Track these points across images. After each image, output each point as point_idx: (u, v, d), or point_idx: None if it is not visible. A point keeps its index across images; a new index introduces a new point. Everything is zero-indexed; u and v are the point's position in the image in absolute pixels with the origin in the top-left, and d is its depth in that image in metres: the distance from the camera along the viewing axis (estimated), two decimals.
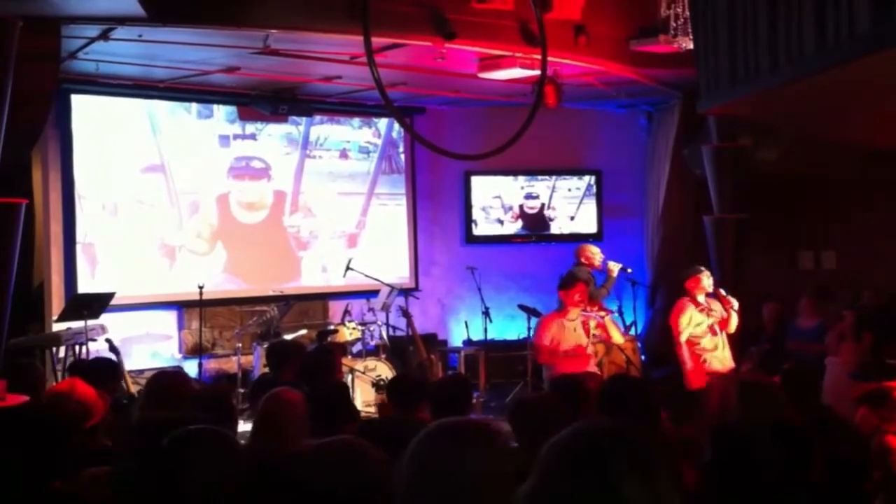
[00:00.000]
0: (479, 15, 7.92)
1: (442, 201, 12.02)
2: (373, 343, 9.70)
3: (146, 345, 9.77)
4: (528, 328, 10.32)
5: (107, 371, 4.96)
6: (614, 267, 9.07)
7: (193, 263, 10.14)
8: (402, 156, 11.78)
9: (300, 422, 3.94)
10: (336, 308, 10.75)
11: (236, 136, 10.57)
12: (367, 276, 10.08)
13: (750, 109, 7.43)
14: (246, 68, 8.89)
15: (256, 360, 9.12)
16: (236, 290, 10.46)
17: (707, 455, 2.69)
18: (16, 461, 3.05)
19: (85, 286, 9.26)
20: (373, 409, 8.21)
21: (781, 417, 3.60)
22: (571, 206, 12.18)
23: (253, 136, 10.67)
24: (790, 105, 6.91)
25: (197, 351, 9.50)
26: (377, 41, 6.99)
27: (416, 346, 9.57)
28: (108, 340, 8.24)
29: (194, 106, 10.26)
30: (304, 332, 9.87)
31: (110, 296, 8.67)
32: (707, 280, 7.82)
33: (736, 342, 9.24)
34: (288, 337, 8.99)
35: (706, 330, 7.75)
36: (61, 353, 8.43)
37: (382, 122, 11.56)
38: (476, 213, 11.94)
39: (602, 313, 8.38)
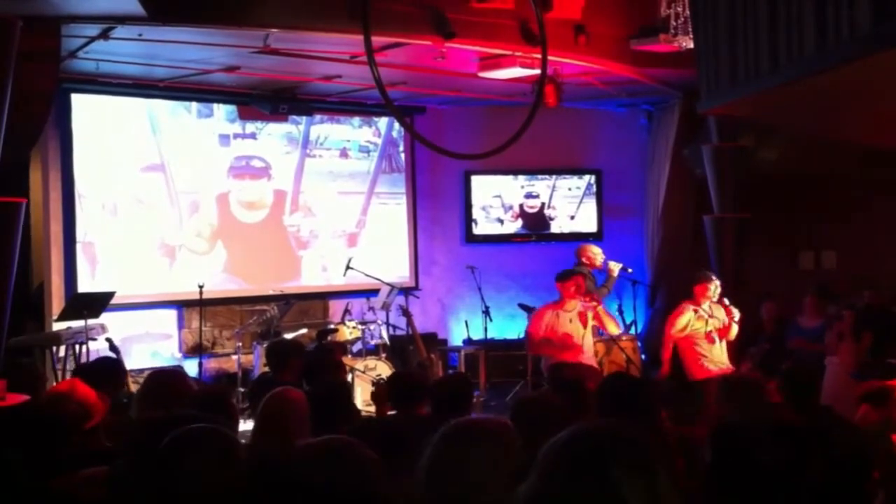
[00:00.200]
0: (479, 14, 7.92)
1: (442, 201, 12.01)
2: (373, 342, 9.70)
3: (146, 344, 9.77)
4: None
5: (111, 372, 4.94)
6: (615, 267, 9.08)
7: (193, 263, 10.14)
8: (403, 155, 11.78)
9: (302, 421, 3.95)
10: (336, 307, 10.75)
11: (236, 136, 10.57)
12: (367, 275, 10.07)
13: (750, 109, 7.42)
14: (246, 67, 8.89)
15: (256, 360, 9.12)
16: (236, 290, 10.46)
17: (707, 455, 2.69)
18: (15, 460, 3.05)
19: (85, 285, 9.26)
20: (373, 408, 8.20)
21: (766, 415, 3.61)
22: (571, 205, 12.18)
23: (253, 136, 10.67)
24: (790, 105, 6.91)
25: (197, 350, 9.50)
26: (377, 40, 6.99)
27: (417, 346, 9.57)
28: (108, 340, 8.25)
29: (194, 105, 10.26)
30: (304, 331, 9.87)
31: (110, 295, 8.68)
32: (714, 288, 7.84)
33: (736, 342, 9.26)
34: (288, 336, 8.98)
35: (703, 336, 7.79)
36: (61, 353, 8.44)
37: (382, 122, 11.56)
38: (476, 213, 11.94)
39: (594, 303, 8.37)
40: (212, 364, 9.96)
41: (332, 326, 9.76)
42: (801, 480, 2.45)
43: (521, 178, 12.04)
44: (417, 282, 11.72)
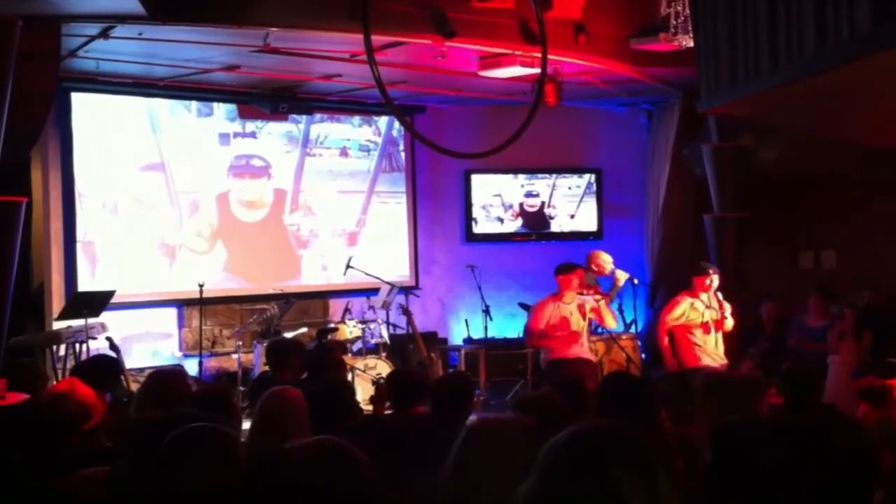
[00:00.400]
0: (480, 13, 7.92)
1: (442, 200, 12.01)
2: (373, 341, 9.71)
3: (146, 343, 9.78)
4: None
5: (108, 369, 4.94)
6: (621, 276, 9.05)
7: (193, 262, 10.15)
8: (403, 154, 11.78)
9: (300, 420, 3.94)
10: (336, 306, 10.75)
11: (236, 135, 10.57)
12: (367, 274, 10.08)
13: (750, 109, 7.42)
14: (246, 66, 8.89)
15: (257, 359, 9.12)
16: (236, 289, 10.46)
17: (707, 455, 2.69)
18: (15, 460, 3.05)
19: (85, 284, 9.27)
20: (372, 408, 8.21)
21: (752, 414, 3.61)
22: (571, 204, 12.19)
23: (253, 135, 10.67)
24: (790, 105, 6.91)
25: (197, 349, 9.50)
26: (377, 39, 6.99)
27: (417, 345, 9.58)
28: (108, 339, 8.25)
29: (194, 104, 10.26)
30: (304, 330, 9.87)
31: (110, 294, 8.68)
32: (710, 281, 7.88)
33: (735, 342, 9.27)
34: (288, 335, 8.98)
35: (698, 325, 7.86)
36: (61, 352, 8.44)
37: (383, 121, 11.56)
38: (476, 212, 11.94)
39: (598, 296, 8.40)
40: (212, 363, 9.97)
41: (332, 325, 9.76)
42: (801, 480, 2.45)
43: (521, 177, 12.04)
44: (417, 281, 11.72)
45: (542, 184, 12.11)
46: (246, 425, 4.27)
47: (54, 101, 7.87)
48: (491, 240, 11.97)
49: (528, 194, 12.08)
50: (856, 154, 9.61)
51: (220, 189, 10.42)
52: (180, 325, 10.13)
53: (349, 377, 8.22)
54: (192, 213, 10.23)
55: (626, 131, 12.12)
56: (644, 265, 11.68)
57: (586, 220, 12.17)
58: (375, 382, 8.50)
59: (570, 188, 12.20)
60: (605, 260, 9.31)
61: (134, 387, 7.80)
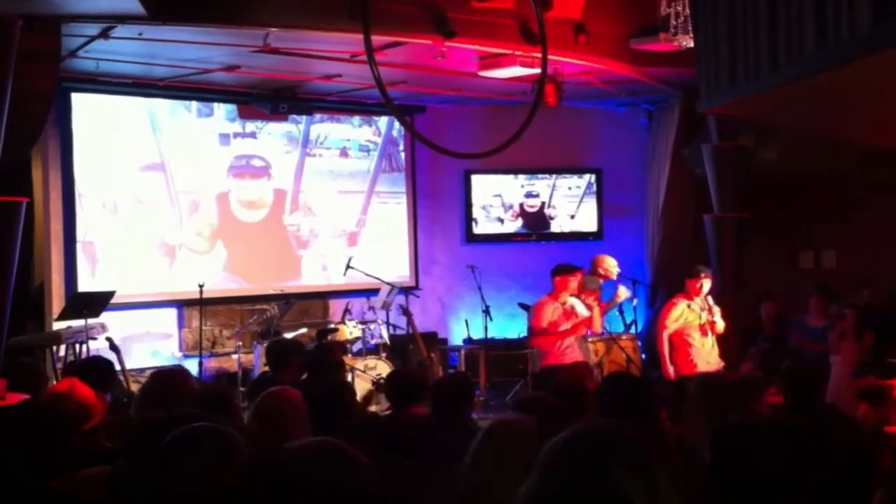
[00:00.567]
0: (480, 13, 7.92)
1: (442, 200, 12.01)
2: (373, 342, 9.71)
3: (146, 343, 9.78)
4: None
5: (103, 371, 4.93)
6: (623, 293, 9.09)
7: (193, 262, 10.15)
8: (403, 154, 11.78)
9: (298, 420, 3.94)
10: (336, 307, 10.75)
11: (236, 135, 10.57)
12: (367, 274, 10.08)
13: (750, 109, 7.42)
14: (246, 67, 8.89)
15: (257, 359, 9.12)
16: (236, 289, 10.46)
17: (705, 455, 2.69)
18: (15, 460, 3.05)
19: (85, 285, 9.27)
20: (373, 408, 8.21)
21: (743, 416, 3.61)
22: (572, 204, 12.19)
23: (253, 135, 10.67)
24: (790, 105, 6.91)
25: (197, 349, 9.50)
26: (377, 39, 6.99)
27: (417, 345, 9.58)
28: (108, 339, 8.25)
29: (194, 104, 10.26)
30: (304, 330, 9.87)
31: (110, 294, 8.68)
32: (702, 285, 7.95)
33: (736, 342, 9.27)
34: (288, 335, 8.99)
35: (696, 328, 7.93)
36: (62, 352, 8.44)
37: (383, 121, 11.56)
38: (476, 212, 11.94)
39: (592, 299, 8.42)
40: (212, 363, 9.97)
41: (332, 326, 9.76)
42: (801, 480, 2.45)
43: (522, 177, 12.04)
44: (417, 281, 11.72)
45: (542, 184, 12.11)
46: None
47: (54, 102, 7.87)
48: (491, 240, 11.97)
49: (529, 194, 12.08)
50: (856, 154, 9.61)
51: (220, 189, 10.42)
52: (180, 326, 10.13)
53: (349, 378, 8.22)
54: (192, 214, 10.23)
55: (626, 131, 12.12)
56: (644, 265, 11.69)
57: (586, 220, 12.17)
58: (374, 383, 8.51)
59: (570, 188, 12.19)
60: (611, 264, 9.32)
61: (134, 387, 7.83)
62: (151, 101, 9.86)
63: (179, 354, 10.00)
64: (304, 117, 10.84)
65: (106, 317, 8.72)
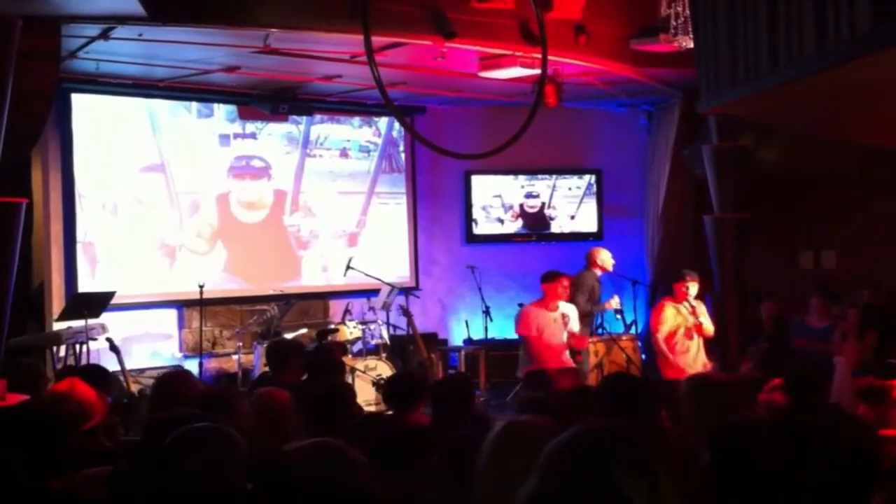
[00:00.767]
0: (480, 14, 7.92)
1: (442, 200, 12.01)
2: (373, 342, 9.71)
3: (146, 344, 9.78)
4: None
5: (98, 378, 4.93)
6: (614, 303, 9.26)
7: (193, 263, 10.14)
8: (403, 155, 11.78)
9: (288, 421, 3.94)
10: (336, 307, 10.75)
11: (236, 136, 10.57)
12: (367, 275, 10.08)
13: (750, 109, 7.42)
14: (246, 67, 8.88)
15: (257, 360, 9.12)
16: (236, 290, 10.46)
17: (704, 455, 2.69)
18: (15, 460, 3.05)
19: (85, 285, 9.26)
20: (374, 409, 8.22)
21: (734, 417, 3.62)
22: (572, 205, 12.19)
23: (253, 136, 10.67)
24: (790, 105, 6.91)
25: (197, 350, 9.50)
26: (377, 40, 6.99)
27: (417, 346, 9.58)
28: (108, 339, 8.24)
29: (194, 105, 10.26)
30: (304, 331, 9.87)
31: (110, 295, 8.68)
32: (690, 288, 8.12)
33: (736, 342, 9.27)
34: (288, 336, 8.99)
35: (683, 332, 8.09)
36: (62, 353, 8.44)
37: (383, 122, 11.56)
38: (476, 213, 11.94)
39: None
40: (212, 364, 9.96)
41: (332, 326, 9.76)
42: (801, 480, 2.45)
43: (522, 177, 12.04)
44: (418, 282, 11.72)
45: (542, 185, 12.11)
46: None
47: (54, 102, 7.86)
48: (491, 241, 11.97)
49: (529, 195, 12.08)
50: (856, 154, 9.61)
51: (221, 190, 10.42)
52: (180, 326, 10.12)
53: (349, 378, 8.23)
54: (193, 214, 10.23)
55: (626, 132, 12.12)
56: (644, 265, 11.68)
57: (586, 220, 12.17)
58: (376, 384, 8.52)
59: (570, 189, 12.19)
60: (606, 257, 9.36)
61: (134, 388, 7.82)
62: (151, 101, 9.86)
63: (179, 355, 9.99)
64: (305, 118, 10.84)
65: (106, 317, 8.72)
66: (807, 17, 5.20)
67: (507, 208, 12.05)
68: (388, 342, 9.80)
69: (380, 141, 11.59)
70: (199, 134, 10.32)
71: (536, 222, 12.10)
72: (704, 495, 2.58)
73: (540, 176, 12.08)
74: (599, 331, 10.26)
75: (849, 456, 2.57)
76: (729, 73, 6.42)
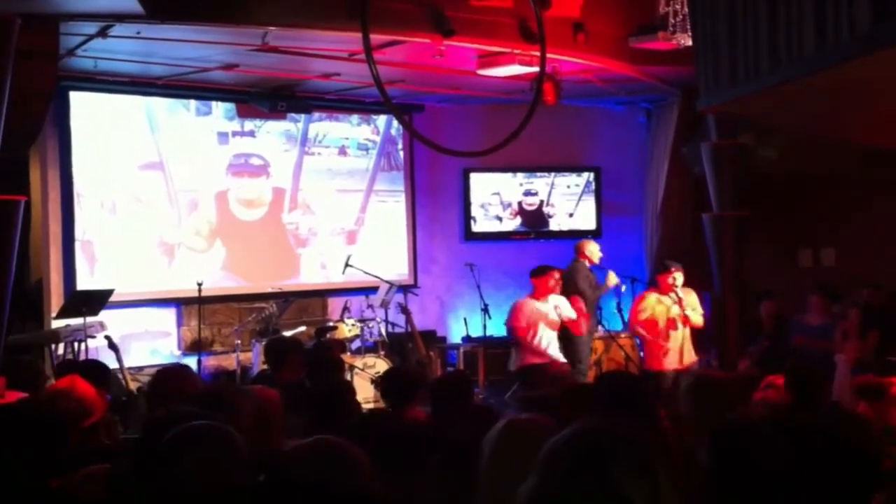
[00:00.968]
0: (478, 12, 7.92)
1: (441, 198, 12.01)
2: (372, 340, 9.72)
3: (145, 342, 9.77)
4: None
5: (97, 374, 4.92)
6: (612, 279, 9.20)
7: (192, 260, 10.14)
8: (401, 153, 11.78)
9: (277, 420, 3.93)
10: (335, 305, 10.75)
11: (235, 133, 10.56)
12: (366, 272, 10.08)
13: (749, 108, 7.42)
14: (244, 65, 8.87)
15: (255, 357, 9.12)
16: (235, 287, 10.45)
17: (702, 455, 2.69)
18: (14, 459, 3.05)
19: (84, 283, 9.26)
20: (372, 406, 8.22)
21: (732, 415, 3.61)
22: (570, 203, 12.18)
23: (252, 133, 10.66)
24: (790, 104, 6.90)
25: (196, 348, 9.50)
26: (376, 38, 6.99)
27: (415, 343, 9.58)
28: (107, 337, 8.24)
29: (193, 103, 10.25)
30: (303, 328, 9.87)
31: (109, 293, 8.67)
32: (673, 279, 8.11)
33: (735, 341, 9.28)
34: (287, 334, 8.99)
35: (665, 322, 8.07)
36: (60, 350, 8.43)
37: (381, 119, 11.56)
38: (475, 210, 11.94)
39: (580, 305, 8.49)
40: (211, 362, 9.96)
41: (331, 324, 9.76)
42: (801, 480, 2.45)
43: (520, 175, 12.04)
44: (416, 279, 11.72)
45: (540, 182, 12.11)
46: None
47: (53, 100, 7.85)
48: (490, 238, 11.97)
49: (527, 193, 12.08)
50: (856, 154, 9.61)
51: (219, 188, 10.41)
52: (179, 324, 10.12)
53: (348, 376, 8.23)
54: (191, 212, 10.22)
55: (625, 130, 12.12)
56: (643, 264, 11.68)
57: (585, 218, 12.17)
58: (374, 381, 8.52)
59: (568, 187, 12.19)
60: (594, 250, 9.36)
61: (133, 385, 7.83)
62: (150, 99, 9.85)
63: (178, 353, 9.99)
64: (303, 116, 10.84)
65: (105, 315, 8.71)
66: (807, 15, 5.19)
67: (506, 206, 12.05)
68: (387, 340, 9.81)
69: (378, 139, 11.58)
70: (197, 132, 10.31)
71: (535, 220, 12.10)
72: (704, 495, 2.58)
73: (538, 174, 12.08)
74: (599, 328, 10.26)
75: (849, 455, 2.57)
76: (728, 71, 6.41)
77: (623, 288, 9.63)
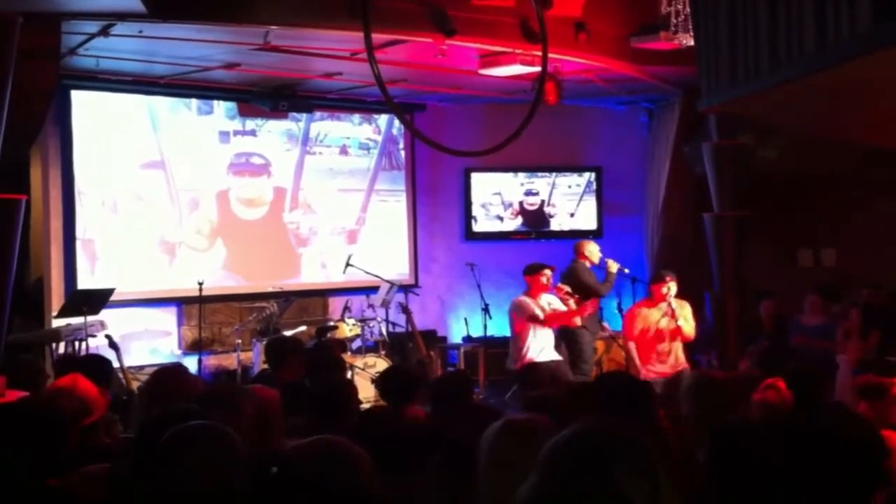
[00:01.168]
0: (480, 11, 7.92)
1: (442, 198, 12.02)
2: (372, 339, 9.73)
3: (146, 341, 9.78)
4: None
5: (100, 369, 4.93)
6: (612, 265, 9.14)
7: (193, 260, 10.14)
8: (402, 152, 11.78)
9: (277, 419, 3.93)
10: (336, 304, 10.75)
11: (236, 133, 10.56)
12: (366, 272, 10.08)
13: (750, 108, 7.41)
14: (246, 64, 8.88)
15: (256, 357, 9.13)
16: (236, 287, 10.45)
17: (700, 455, 2.69)
18: (14, 458, 3.05)
19: (85, 282, 9.26)
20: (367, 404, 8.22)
21: (734, 416, 3.61)
22: (571, 203, 12.19)
23: (253, 133, 10.67)
24: (790, 104, 6.90)
25: (196, 347, 9.51)
26: (377, 38, 6.98)
27: (416, 343, 9.59)
28: (107, 336, 8.25)
29: (194, 102, 10.26)
30: (303, 328, 9.87)
31: (110, 292, 8.68)
32: (668, 289, 8.04)
33: (735, 341, 9.28)
34: (287, 333, 8.99)
35: (653, 333, 8.03)
36: (61, 349, 8.44)
37: (382, 119, 11.56)
38: (476, 210, 11.95)
39: (565, 295, 8.45)
40: (211, 361, 9.96)
41: (331, 323, 9.77)
42: (801, 480, 2.45)
43: (521, 175, 12.04)
44: (417, 279, 11.72)
45: (541, 182, 12.11)
46: None
47: (54, 99, 7.86)
48: (490, 238, 11.98)
49: (528, 192, 12.08)
50: (856, 154, 9.61)
51: (220, 187, 10.41)
52: (180, 323, 10.13)
53: (349, 375, 8.22)
54: (192, 211, 10.23)
55: (627, 130, 12.12)
56: (644, 263, 11.68)
57: (586, 218, 12.17)
58: (375, 381, 8.51)
59: (569, 186, 12.20)
60: (593, 250, 9.34)
61: (133, 385, 7.83)
62: (151, 98, 9.86)
63: (179, 352, 9.99)
64: (304, 115, 10.84)
65: (105, 314, 8.72)
66: (807, 15, 5.19)
67: (507, 206, 12.05)
68: (388, 339, 9.81)
69: (379, 138, 11.59)
70: (198, 131, 10.32)
71: (536, 220, 12.10)
72: (703, 495, 2.58)
73: (539, 173, 12.08)
74: (602, 327, 10.25)
75: (851, 454, 2.57)
76: (729, 71, 6.40)
77: (626, 270, 9.58)
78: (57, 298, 9.13)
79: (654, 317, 8.03)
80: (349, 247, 11.13)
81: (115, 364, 7.72)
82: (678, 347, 8.07)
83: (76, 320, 8.30)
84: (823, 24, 4.99)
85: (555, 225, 12.15)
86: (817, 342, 8.73)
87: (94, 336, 8.34)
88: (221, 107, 10.43)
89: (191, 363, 9.33)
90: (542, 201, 12.10)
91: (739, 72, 6.21)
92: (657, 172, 11.51)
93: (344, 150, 11.33)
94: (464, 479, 2.51)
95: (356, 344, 9.54)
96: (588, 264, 9.25)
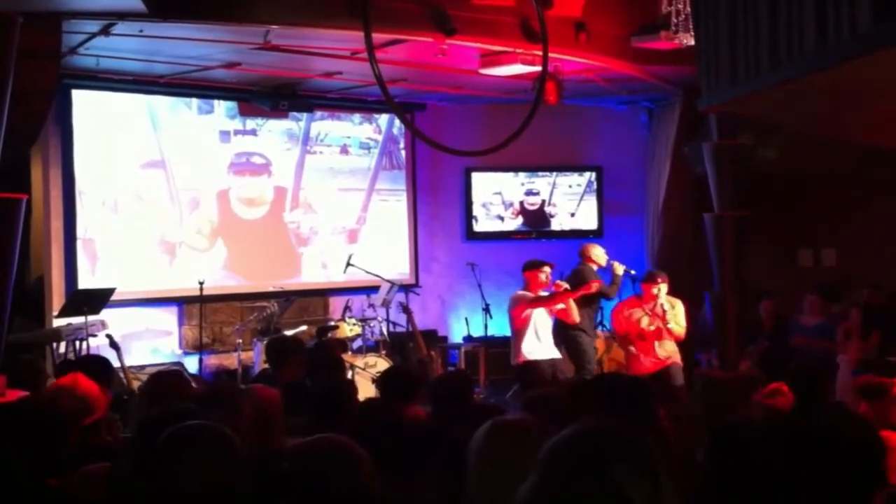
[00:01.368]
0: (480, 11, 7.92)
1: (442, 197, 12.02)
2: (373, 339, 9.72)
3: (146, 341, 9.78)
4: None
5: (100, 369, 4.93)
6: (619, 268, 9.12)
7: (194, 259, 10.15)
8: (403, 152, 11.78)
9: (277, 419, 3.94)
10: (336, 304, 10.75)
11: (237, 132, 10.56)
12: (367, 272, 10.09)
13: (750, 108, 7.42)
14: (246, 64, 8.88)
15: (257, 356, 9.13)
16: (236, 287, 10.45)
17: (699, 455, 2.69)
18: (14, 458, 3.05)
19: (85, 282, 9.27)
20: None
21: (738, 414, 3.62)
22: (572, 202, 12.19)
23: (253, 132, 10.67)
24: (790, 103, 6.90)
25: (197, 347, 9.51)
26: (378, 37, 6.99)
27: (417, 343, 9.59)
28: (108, 336, 8.25)
29: (195, 101, 10.26)
30: (304, 328, 9.87)
31: (111, 291, 8.68)
32: (658, 290, 8.13)
33: (735, 341, 9.27)
34: (288, 333, 8.99)
35: (639, 331, 8.11)
36: (62, 349, 8.44)
37: (383, 118, 11.56)
38: (476, 210, 11.95)
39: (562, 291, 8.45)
40: (212, 361, 9.96)
41: (332, 323, 9.77)
42: (801, 480, 2.45)
43: (522, 175, 12.04)
44: (418, 279, 11.72)
45: (542, 182, 12.11)
46: None
47: (55, 99, 7.86)
48: (491, 238, 11.98)
49: (529, 192, 12.08)
50: (856, 154, 9.60)
51: (221, 186, 10.41)
52: (180, 323, 10.13)
53: (349, 375, 8.23)
54: (193, 211, 10.23)
55: (627, 129, 12.12)
56: (644, 263, 11.66)
57: (587, 218, 12.17)
58: (375, 381, 8.52)
59: (570, 186, 12.20)
60: (599, 253, 9.33)
61: (134, 384, 7.83)
62: (152, 98, 9.86)
63: (179, 352, 10.00)
64: (305, 115, 10.84)
65: (106, 314, 8.73)
66: (807, 15, 5.19)
67: (508, 205, 12.05)
68: (388, 339, 9.81)
69: (380, 138, 11.59)
70: (199, 130, 10.32)
71: (536, 220, 12.10)
72: (703, 495, 2.58)
73: (540, 173, 12.08)
74: (600, 328, 10.25)
75: (851, 455, 2.57)
76: (729, 71, 6.40)
77: (633, 272, 9.58)
78: (57, 298, 9.13)
79: (635, 316, 8.05)
80: (350, 246, 11.13)
81: (116, 364, 7.73)
82: (665, 345, 8.11)
83: (77, 320, 8.30)
84: (824, 23, 4.99)
85: (555, 225, 12.15)
86: (817, 342, 8.73)
87: (94, 336, 8.34)
88: (222, 106, 10.43)
89: (192, 363, 9.35)
90: (543, 201, 12.11)
91: (740, 71, 6.21)
92: (657, 172, 11.51)
93: (344, 150, 11.33)
94: (464, 479, 2.51)
95: (357, 344, 9.54)
96: (595, 267, 9.24)
